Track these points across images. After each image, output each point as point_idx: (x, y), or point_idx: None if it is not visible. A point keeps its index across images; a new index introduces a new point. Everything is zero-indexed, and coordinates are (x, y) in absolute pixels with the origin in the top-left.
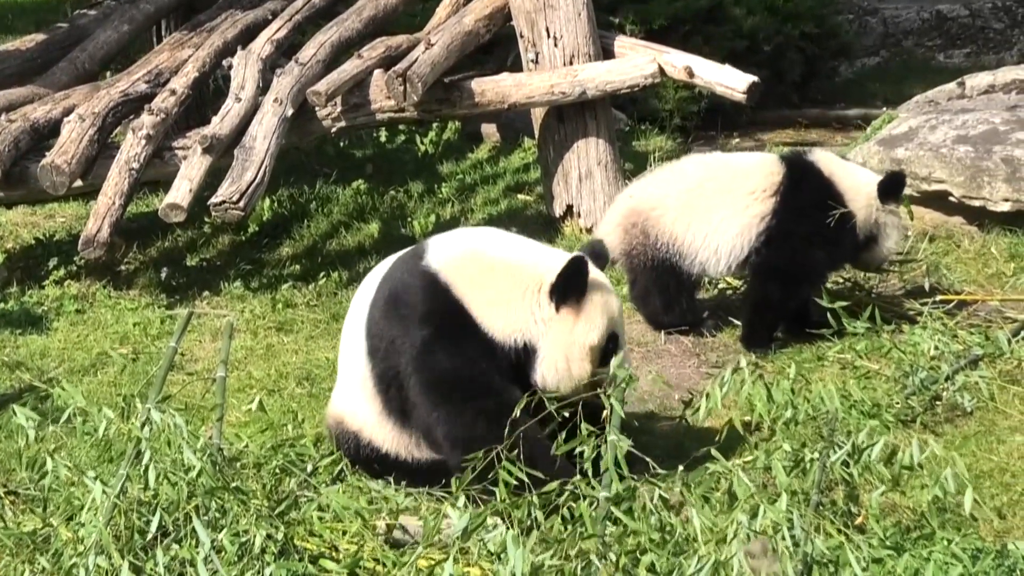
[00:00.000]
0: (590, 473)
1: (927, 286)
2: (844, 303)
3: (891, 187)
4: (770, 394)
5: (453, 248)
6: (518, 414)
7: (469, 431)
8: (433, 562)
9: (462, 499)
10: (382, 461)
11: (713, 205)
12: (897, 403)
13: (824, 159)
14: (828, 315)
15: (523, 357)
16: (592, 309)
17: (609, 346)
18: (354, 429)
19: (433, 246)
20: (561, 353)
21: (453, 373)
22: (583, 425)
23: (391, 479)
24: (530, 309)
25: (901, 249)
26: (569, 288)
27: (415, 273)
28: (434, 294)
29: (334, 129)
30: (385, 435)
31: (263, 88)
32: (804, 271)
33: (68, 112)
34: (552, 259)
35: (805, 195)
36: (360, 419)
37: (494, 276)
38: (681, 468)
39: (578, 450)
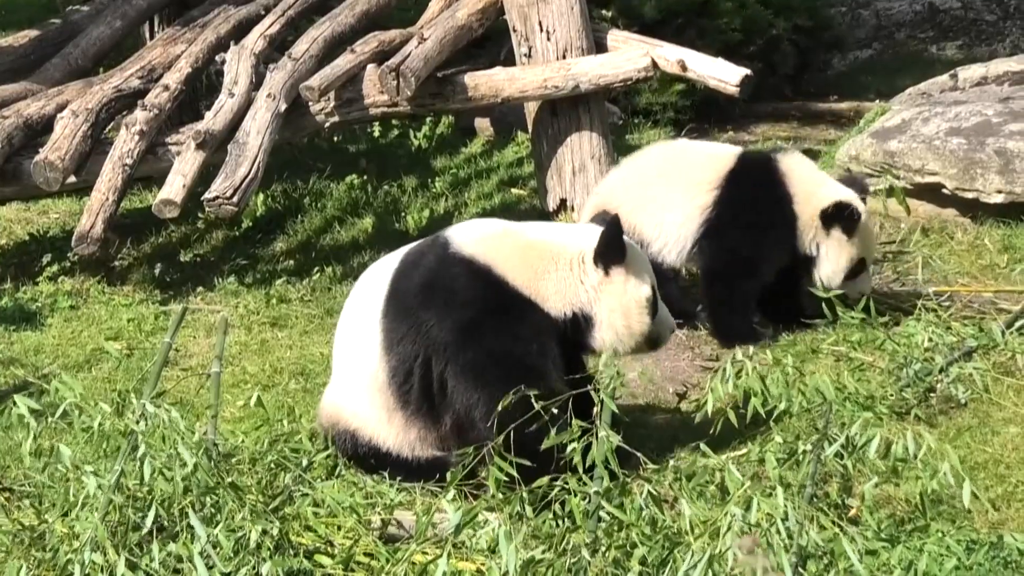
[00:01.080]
0: (581, 468)
1: (921, 278)
2: (839, 292)
3: (833, 214)
4: (765, 387)
5: (480, 233)
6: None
7: (512, 413)
8: (428, 557)
9: (451, 493)
10: (381, 459)
11: (663, 195)
12: (891, 395)
13: (789, 161)
14: (823, 305)
15: (576, 328)
16: (635, 265)
17: (655, 297)
18: (353, 427)
19: (457, 233)
20: (619, 313)
21: (500, 353)
22: (574, 421)
23: (385, 475)
24: (578, 279)
25: (852, 282)
26: (614, 249)
27: (449, 258)
28: (475, 275)
29: (327, 124)
30: (388, 432)
31: (256, 83)
32: (741, 264)
33: (61, 108)
34: (577, 231)
35: (747, 190)
36: (362, 416)
37: (532, 254)
38: (673, 462)
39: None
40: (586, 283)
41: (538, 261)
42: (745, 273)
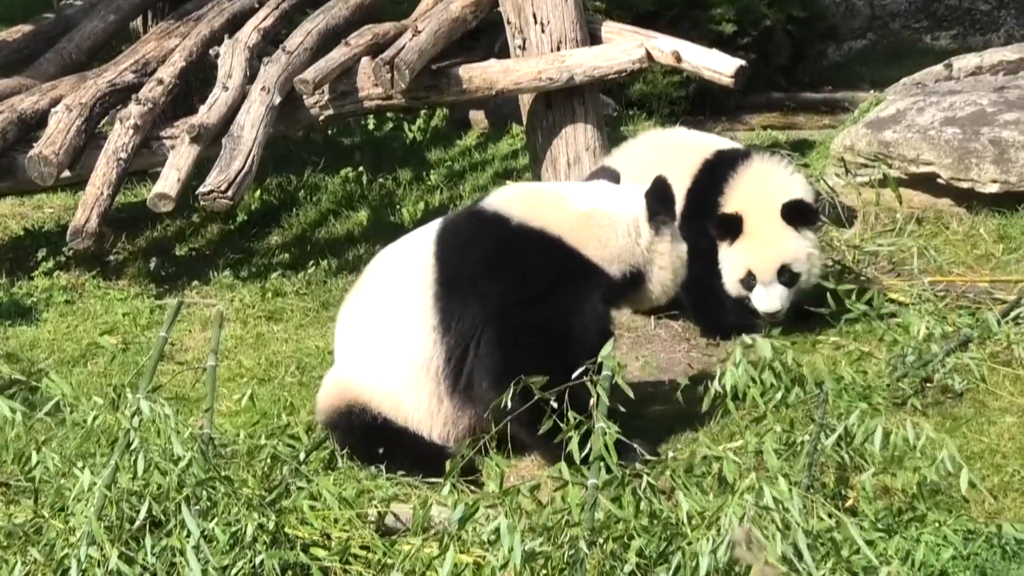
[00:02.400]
0: (578, 460)
1: (916, 268)
2: (848, 287)
3: (717, 223)
4: (776, 375)
5: (534, 203)
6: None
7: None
8: (427, 550)
9: (447, 487)
10: (417, 448)
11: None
12: (888, 385)
13: (755, 161)
14: (827, 296)
15: (630, 286)
16: (674, 223)
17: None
18: (387, 414)
19: (511, 205)
20: (669, 270)
21: (581, 322)
22: (570, 413)
23: (383, 467)
24: (634, 242)
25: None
26: (667, 210)
27: (515, 232)
28: (547, 247)
29: (322, 117)
30: (435, 421)
31: (250, 77)
32: (703, 259)
33: (55, 103)
34: (619, 195)
35: (706, 185)
36: (404, 405)
37: (593, 223)
38: (672, 454)
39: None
40: (641, 245)
41: (599, 230)
42: (708, 267)
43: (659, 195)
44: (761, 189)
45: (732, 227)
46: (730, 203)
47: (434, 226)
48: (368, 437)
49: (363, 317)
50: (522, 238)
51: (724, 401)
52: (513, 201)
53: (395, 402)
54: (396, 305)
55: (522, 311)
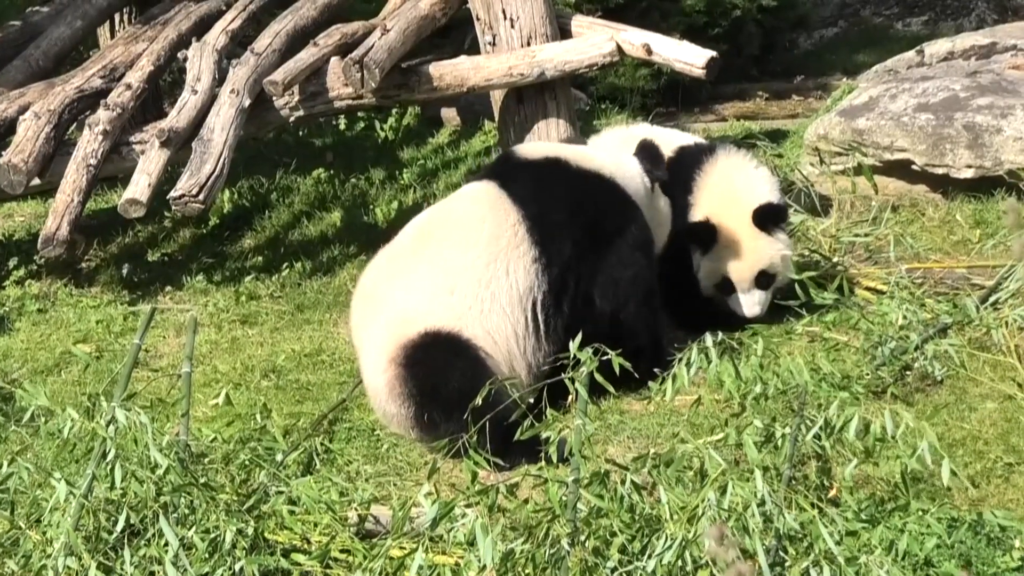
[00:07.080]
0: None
1: (892, 256)
2: (811, 274)
3: (688, 233)
4: (738, 370)
5: (579, 153)
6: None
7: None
8: (405, 552)
9: (426, 488)
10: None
11: None
12: (867, 374)
13: (723, 158)
14: (796, 286)
15: None
16: None
17: None
18: (480, 348)
19: (562, 154)
20: (663, 226)
21: (649, 273)
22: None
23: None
24: (647, 196)
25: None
26: (661, 167)
27: (577, 175)
28: (612, 189)
29: (292, 118)
30: (521, 350)
31: (219, 80)
32: (673, 253)
33: (24, 110)
34: (618, 153)
35: (672, 181)
36: (503, 331)
37: (626, 172)
38: (653, 450)
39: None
40: (649, 202)
41: (632, 180)
42: (677, 261)
43: (648, 155)
44: (729, 191)
45: (706, 237)
46: (699, 205)
47: (479, 183)
48: (456, 361)
49: (423, 265)
50: (589, 180)
51: (699, 397)
52: (562, 150)
53: (492, 327)
54: (476, 246)
55: (614, 247)
